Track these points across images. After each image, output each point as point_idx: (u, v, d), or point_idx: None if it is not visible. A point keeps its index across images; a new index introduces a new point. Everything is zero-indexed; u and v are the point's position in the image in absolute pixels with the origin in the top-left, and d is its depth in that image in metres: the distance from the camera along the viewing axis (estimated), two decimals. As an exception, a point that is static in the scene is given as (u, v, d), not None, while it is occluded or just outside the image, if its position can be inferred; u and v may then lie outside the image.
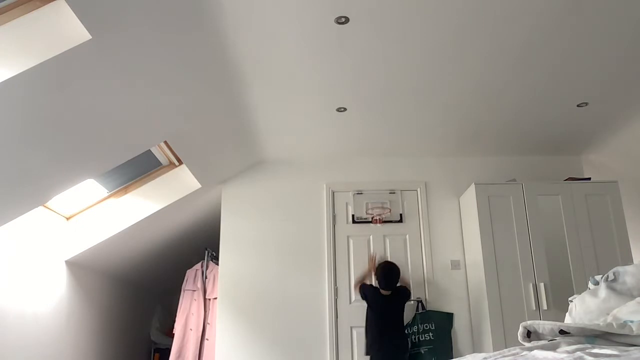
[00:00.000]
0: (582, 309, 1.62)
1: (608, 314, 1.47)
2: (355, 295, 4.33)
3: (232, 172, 4.69)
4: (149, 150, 3.88)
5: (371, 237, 4.59)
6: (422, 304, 4.37)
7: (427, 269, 4.50)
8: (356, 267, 4.49)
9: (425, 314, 4.32)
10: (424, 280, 4.47)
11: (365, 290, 4.11)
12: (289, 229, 4.62)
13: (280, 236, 4.60)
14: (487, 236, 4.13)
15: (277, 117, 3.90)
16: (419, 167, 4.80)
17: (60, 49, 2.30)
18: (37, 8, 2.30)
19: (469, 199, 4.38)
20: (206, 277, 4.87)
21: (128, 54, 2.59)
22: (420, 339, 4.21)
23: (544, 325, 1.32)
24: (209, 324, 4.67)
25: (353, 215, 4.65)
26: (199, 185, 4.38)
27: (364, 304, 4.10)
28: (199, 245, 5.39)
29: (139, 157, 3.69)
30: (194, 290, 4.80)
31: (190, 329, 4.66)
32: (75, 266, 4.28)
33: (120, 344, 5.29)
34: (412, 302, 4.30)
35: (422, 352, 4.17)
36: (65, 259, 4.10)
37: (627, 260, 4.02)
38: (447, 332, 4.30)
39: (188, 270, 4.94)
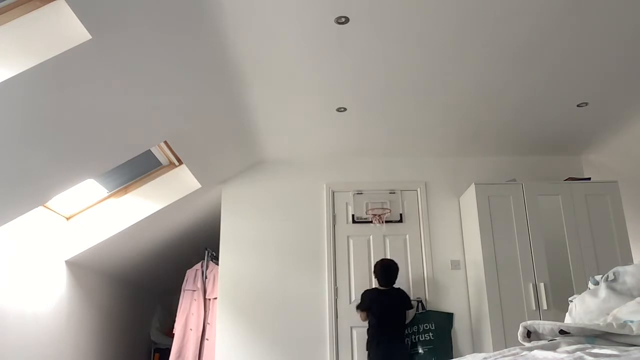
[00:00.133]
0: (582, 309, 1.62)
1: (608, 314, 1.47)
2: (356, 309, 4.23)
3: (232, 172, 4.69)
4: (149, 150, 3.88)
5: (371, 237, 4.59)
6: (422, 304, 4.37)
7: (427, 269, 4.50)
8: (356, 267, 4.49)
9: (425, 314, 4.32)
10: (424, 280, 4.47)
11: (365, 298, 4.11)
12: (289, 229, 4.62)
13: (280, 236, 4.60)
14: (487, 236, 4.13)
15: (277, 117, 3.90)
16: (419, 167, 4.80)
17: (60, 49, 2.30)
18: (37, 8, 2.30)
19: (469, 199, 4.38)
20: (206, 277, 4.87)
21: (128, 54, 2.59)
22: (420, 339, 4.21)
23: (544, 325, 1.32)
24: (209, 324, 4.67)
25: (353, 215, 4.65)
26: (199, 185, 4.38)
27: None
28: (199, 245, 5.39)
29: (139, 157, 3.69)
30: (194, 290, 4.80)
31: (190, 329, 4.66)
32: (75, 266, 4.28)
33: (120, 344, 5.29)
34: (412, 302, 4.31)
35: (422, 352, 4.17)
36: (65, 259, 4.10)
37: (627, 260, 4.02)
38: (447, 332, 4.30)
39: (188, 270, 4.94)
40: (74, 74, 2.48)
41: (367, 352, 4.03)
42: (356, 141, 4.44)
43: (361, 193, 4.70)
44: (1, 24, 2.28)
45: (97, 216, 4.13)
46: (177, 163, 4.27)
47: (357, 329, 4.30)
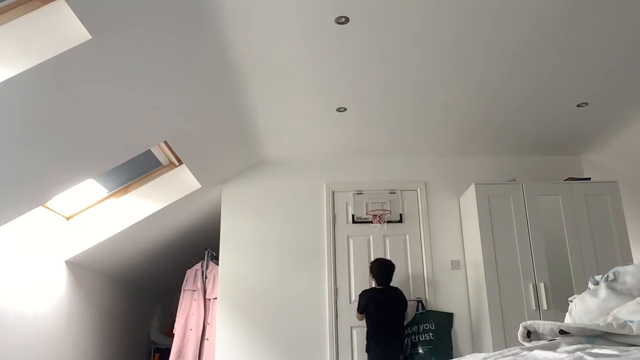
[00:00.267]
0: (582, 309, 1.62)
1: (608, 314, 1.47)
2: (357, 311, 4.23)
3: (232, 172, 4.69)
4: (149, 150, 3.88)
5: (371, 237, 4.60)
6: (422, 304, 4.37)
7: (427, 269, 4.50)
8: (356, 267, 4.49)
9: (425, 314, 4.32)
10: (424, 280, 4.47)
11: (363, 299, 4.06)
12: (289, 229, 4.62)
13: (280, 236, 4.60)
14: (487, 236, 4.13)
15: (277, 117, 3.90)
16: (419, 167, 4.80)
17: (60, 49, 2.30)
18: (37, 8, 2.30)
19: (469, 199, 4.38)
20: (206, 277, 4.87)
21: (128, 54, 2.59)
22: (420, 338, 4.21)
23: (544, 325, 1.32)
24: (209, 324, 4.67)
25: (353, 215, 4.65)
26: (199, 185, 4.38)
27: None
28: (199, 245, 5.39)
29: (139, 157, 3.69)
30: (194, 290, 4.80)
31: (190, 329, 4.66)
32: (75, 266, 4.28)
33: (120, 344, 5.29)
34: (412, 302, 4.31)
35: (422, 352, 4.17)
36: (65, 259, 4.10)
37: (627, 260, 4.02)
38: (447, 332, 4.30)
39: (188, 270, 4.94)
40: (74, 74, 2.48)
41: (366, 353, 4.00)
42: (356, 141, 4.44)
43: (361, 193, 4.70)
44: (1, 24, 2.28)
45: (97, 216, 4.13)
46: (177, 163, 4.27)
47: (357, 329, 4.30)
